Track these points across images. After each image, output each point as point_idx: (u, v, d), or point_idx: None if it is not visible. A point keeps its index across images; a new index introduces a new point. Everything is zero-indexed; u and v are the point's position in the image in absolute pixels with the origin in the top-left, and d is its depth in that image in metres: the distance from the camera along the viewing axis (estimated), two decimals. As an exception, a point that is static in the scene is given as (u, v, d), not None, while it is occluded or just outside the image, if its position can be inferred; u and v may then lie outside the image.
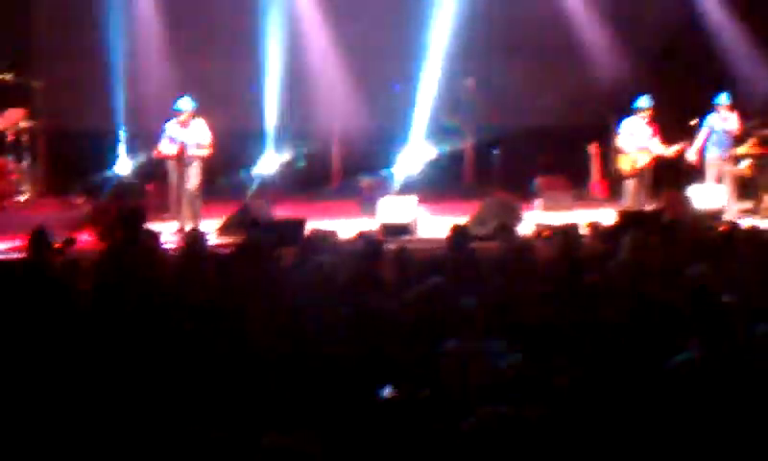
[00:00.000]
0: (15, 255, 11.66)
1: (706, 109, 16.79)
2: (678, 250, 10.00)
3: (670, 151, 16.26)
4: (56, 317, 7.42)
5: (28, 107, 17.11)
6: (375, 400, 5.66)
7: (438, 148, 19.73)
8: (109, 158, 18.84)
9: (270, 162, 19.62)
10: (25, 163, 16.73)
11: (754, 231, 10.88)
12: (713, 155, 16.48)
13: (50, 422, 5.65)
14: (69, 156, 18.39)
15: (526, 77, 20.32)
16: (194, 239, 10.69)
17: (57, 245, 11.92)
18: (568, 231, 10.59)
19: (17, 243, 12.38)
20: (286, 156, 19.88)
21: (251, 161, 19.68)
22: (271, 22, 19.81)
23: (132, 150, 18.58)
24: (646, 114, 16.17)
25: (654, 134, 16.17)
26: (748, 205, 16.86)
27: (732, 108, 16.47)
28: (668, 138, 16.30)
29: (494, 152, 18.59)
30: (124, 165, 18.60)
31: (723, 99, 16.53)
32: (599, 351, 6.33)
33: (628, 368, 6.02)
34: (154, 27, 19.56)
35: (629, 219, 13.90)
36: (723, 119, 16.42)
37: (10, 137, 16.63)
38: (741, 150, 17.20)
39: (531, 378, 5.74)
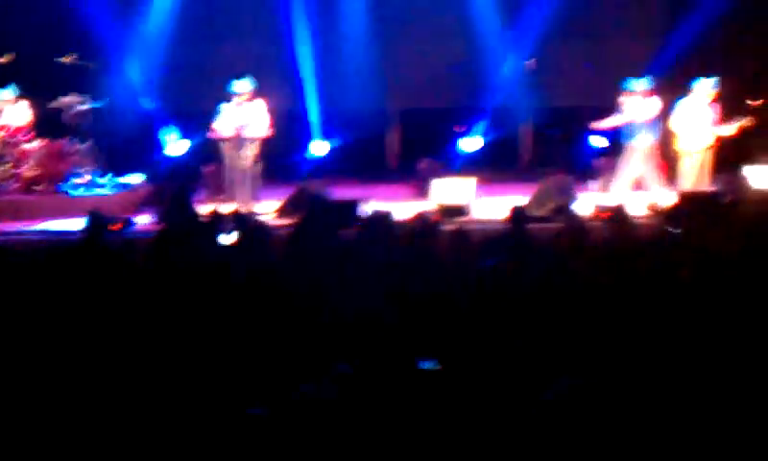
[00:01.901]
0: (74, 235, 11.72)
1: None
2: (737, 232, 9.87)
3: (730, 130, 16.00)
4: (113, 296, 7.46)
5: (86, 89, 17.20)
6: (417, 370, 5.68)
7: (497, 129, 19.64)
8: (165, 140, 18.94)
9: (324, 145, 19.63)
10: (86, 144, 16.83)
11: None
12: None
13: (111, 395, 5.70)
14: (128, 137, 18.51)
15: (586, 58, 20.15)
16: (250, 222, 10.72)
17: (115, 226, 12.03)
18: (619, 213, 10.49)
19: (77, 223, 12.45)
20: (340, 139, 19.88)
21: (306, 143, 19.72)
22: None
23: (188, 131, 18.64)
24: (707, 95, 15.92)
25: (713, 114, 15.93)
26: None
27: (652, 92, 16.07)
28: (728, 117, 16.04)
29: (554, 133, 18.48)
30: (180, 147, 18.68)
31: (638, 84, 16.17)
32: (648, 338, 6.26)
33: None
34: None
35: (689, 201, 13.76)
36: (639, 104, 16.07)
37: (70, 120, 16.74)
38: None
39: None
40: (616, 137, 16.65)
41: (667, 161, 18.29)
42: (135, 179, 17.23)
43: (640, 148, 15.82)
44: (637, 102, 15.89)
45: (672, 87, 16.88)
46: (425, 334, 6.32)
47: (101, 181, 16.89)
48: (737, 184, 15.08)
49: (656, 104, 15.84)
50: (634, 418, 5.02)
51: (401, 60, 20.20)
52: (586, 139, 19.30)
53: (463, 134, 19.33)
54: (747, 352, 5.89)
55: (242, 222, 10.49)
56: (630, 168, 15.87)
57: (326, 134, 19.81)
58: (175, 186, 15.31)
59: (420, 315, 6.60)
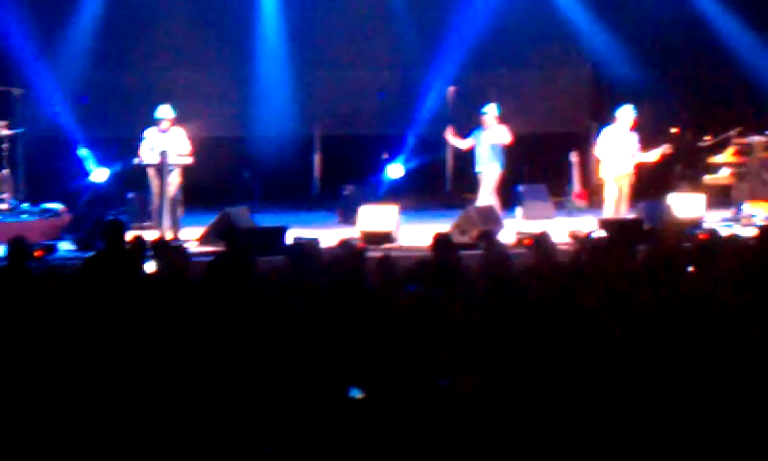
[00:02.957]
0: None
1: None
2: (659, 257, 10.00)
3: (651, 157, 16.23)
4: (36, 324, 7.38)
5: (7, 115, 17.02)
6: (347, 399, 5.70)
7: (420, 157, 19.78)
8: (87, 167, 18.81)
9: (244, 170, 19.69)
10: (5, 171, 16.65)
11: (733, 240, 10.89)
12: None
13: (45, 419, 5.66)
14: (48, 164, 18.36)
15: (507, 86, 20.35)
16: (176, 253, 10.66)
17: (36, 253, 11.90)
18: (541, 241, 10.59)
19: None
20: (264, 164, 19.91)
21: (233, 170, 19.73)
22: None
23: (109, 158, 18.54)
24: (627, 123, 16.14)
25: (635, 142, 16.15)
26: (727, 213, 16.90)
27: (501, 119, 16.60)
28: (649, 145, 16.28)
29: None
30: (101, 173, 18.57)
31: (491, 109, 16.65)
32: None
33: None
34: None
35: (609, 228, 13.94)
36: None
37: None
38: (720, 158, 17.27)
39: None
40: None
41: (589, 188, 18.55)
42: (57, 205, 17.04)
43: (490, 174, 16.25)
44: (489, 128, 16.29)
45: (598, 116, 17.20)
46: (353, 361, 6.33)
47: (22, 207, 16.70)
48: (659, 212, 15.31)
49: (503, 131, 16.21)
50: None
51: (325, 86, 20.29)
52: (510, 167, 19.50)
53: (388, 161, 19.41)
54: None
55: (162, 250, 10.40)
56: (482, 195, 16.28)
57: (249, 161, 19.82)
58: (96, 213, 15.21)
59: (347, 342, 6.61)
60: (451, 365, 6.04)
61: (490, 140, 16.43)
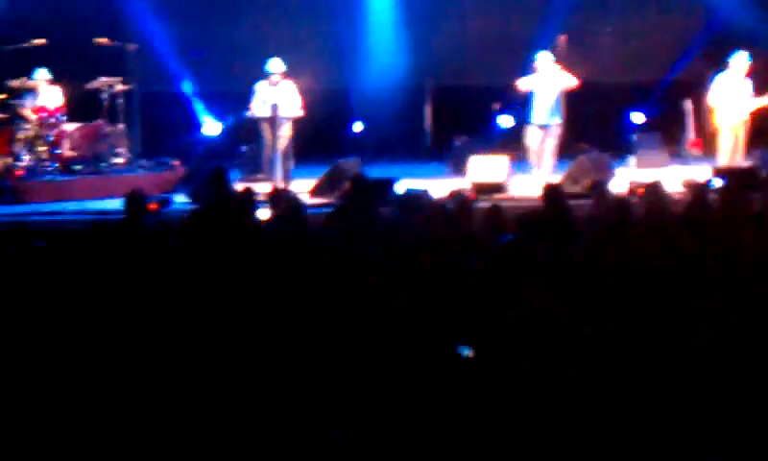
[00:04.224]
0: (113, 216, 11.79)
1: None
2: None
3: (765, 103, 15.92)
4: (149, 275, 7.51)
5: (122, 71, 17.28)
6: (455, 358, 5.69)
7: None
8: (200, 120, 19.05)
9: (356, 123, 19.71)
10: (121, 126, 16.92)
11: None
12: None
13: (145, 374, 5.75)
14: (162, 118, 18.63)
15: (620, 33, 20.09)
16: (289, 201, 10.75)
17: (151, 205, 12.10)
18: (655, 189, 10.45)
19: (115, 204, 12.55)
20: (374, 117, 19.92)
21: (341, 122, 19.79)
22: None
23: (221, 111, 18.74)
24: (742, 69, 15.84)
25: (750, 89, 15.84)
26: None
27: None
28: (764, 92, 15.94)
29: (588, 109, 18.43)
30: (214, 127, 18.78)
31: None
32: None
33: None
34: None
35: (725, 176, 13.71)
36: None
37: (106, 101, 16.83)
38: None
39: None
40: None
41: (703, 136, 18.23)
42: (171, 159, 17.29)
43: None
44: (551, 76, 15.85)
45: (710, 62, 16.86)
46: (461, 316, 6.32)
47: (137, 161, 17.00)
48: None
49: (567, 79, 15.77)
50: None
51: (435, 37, 20.20)
52: (623, 115, 19.29)
53: (499, 112, 19.28)
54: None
55: (278, 200, 10.52)
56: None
57: (359, 113, 19.87)
58: (209, 167, 15.40)
59: (457, 294, 6.61)
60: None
61: (554, 90, 15.96)
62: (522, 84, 15.87)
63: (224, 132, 18.71)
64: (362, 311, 6.40)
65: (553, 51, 16.22)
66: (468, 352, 5.71)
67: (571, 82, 15.69)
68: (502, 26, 20.03)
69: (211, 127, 18.80)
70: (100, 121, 16.79)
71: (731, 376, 5.39)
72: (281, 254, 7.88)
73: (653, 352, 5.61)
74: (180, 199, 14.80)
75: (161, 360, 5.97)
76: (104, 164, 16.60)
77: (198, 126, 19.14)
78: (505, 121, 19.19)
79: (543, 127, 15.76)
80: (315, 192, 15.14)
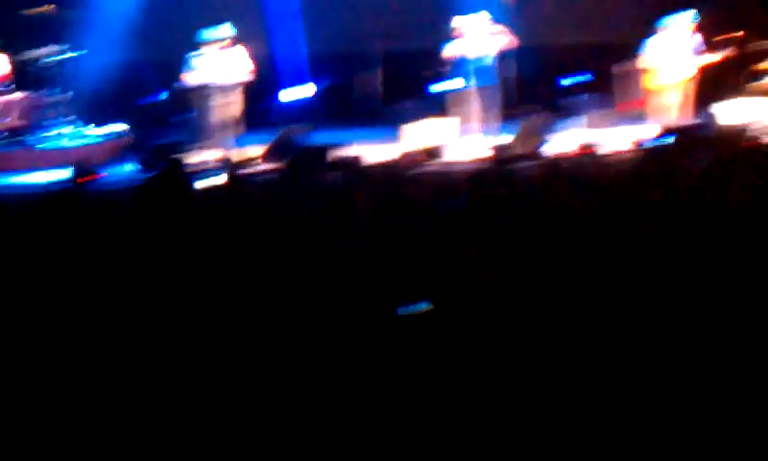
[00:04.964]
0: (59, 186, 11.72)
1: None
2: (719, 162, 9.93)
3: (713, 60, 16.04)
4: (100, 246, 7.48)
5: (66, 38, 17.14)
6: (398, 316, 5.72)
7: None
8: (150, 88, 18.88)
9: (307, 89, 19.62)
10: (67, 94, 16.79)
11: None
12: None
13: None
14: (110, 85, 18.46)
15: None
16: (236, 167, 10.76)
17: (99, 175, 12.04)
18: (598, 149, 10.54)
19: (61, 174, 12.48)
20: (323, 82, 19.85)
21: (287, 88, 19.69)
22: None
23: (170, 78, 18.60)
24: (689, 27, 15.91)
25: (697, 47, 15.92)
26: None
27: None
28: (711, 49, 16.05)
29: (534, 70, 18.43)
30: (164, 94, 18.65)
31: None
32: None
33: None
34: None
35: (672, 134, 13.80)
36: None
37: (52, 69, 16.68)
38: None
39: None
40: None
41: (651, 95, 18.32)
42: (118, 127, 17.17)
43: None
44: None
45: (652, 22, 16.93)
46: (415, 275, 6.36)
47: (83, 131, 16.86)
48: (720, 118, 15.14)
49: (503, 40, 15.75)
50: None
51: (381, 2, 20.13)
52: (569, 77, 19.31)
53: (436, 77, 19.21)
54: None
55: (229, 167, 10.53)
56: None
57: (308, 78, 19.78)
58: (155, 135, 15.35)
59: (406, 256, 6.64)
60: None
61: (491, 50, 15.91)
62: (449, 51, 15.90)
63: (171, 98, 18.57)
64: (310, 280, 6.41)
65: (501, 11, 16.22)
66: (425, 307, 5.75)
67: (507, 42, 15.69)
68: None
69: (161, 94, 18.67)
70: (46, 90, 16.65)
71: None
72: (226, 222, 7.89)
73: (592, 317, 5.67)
74: (129, 168, 14.73)
75: (109, 331, 5.95)
76: (51, 134, 16.46)
77: (148, 93, 18.99)
78: (449, 84, 19.14)
79: (480, 89, 15.78)
80: (265, 158, 15.10)
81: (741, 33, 17.07)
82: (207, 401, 5.16)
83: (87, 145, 16.24)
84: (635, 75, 17.52)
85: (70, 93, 16.84)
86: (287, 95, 19.45)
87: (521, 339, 5.45)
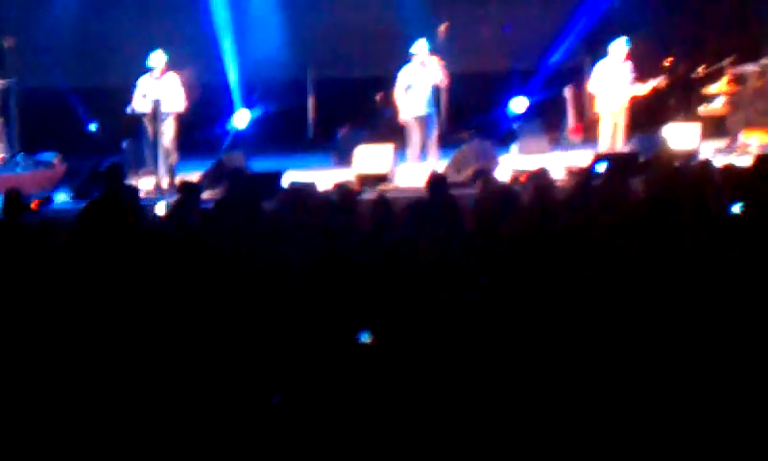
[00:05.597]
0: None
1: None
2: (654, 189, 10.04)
3: (645, 89, 16.21)
4: (33, 277, 7.39)
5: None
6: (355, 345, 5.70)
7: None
8: (84, 116, 18.76)
9: (243, 116, 19.60)
10: (-1, 122, 16.63)
11: (729, 169, 10.90)
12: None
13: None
14: (42, 114, 18.29)
15: (497, 20, 20.26)
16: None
17: (32, 205, 11.88)
18: (540, 176, 10.59)
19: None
20: (259, 109, 19.84)
21: (224, 116, 19.66)
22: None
23: (101, 107, 18.49)
24: (621, 55, 16.06)
25: (629, 75, 16.08)
26: (722, 143, 16.86)
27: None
28: (642, 77, 16.23)
29: (469, 98, 18.55)
30: (95, 123, 18.54)
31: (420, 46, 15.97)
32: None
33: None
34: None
35: (605, 161, 13.91)
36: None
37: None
38: (715, 88, 17.24)
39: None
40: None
41: (584, 123, 18.52)
42: (52, 156, 16.98)
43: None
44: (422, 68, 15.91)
45: (590, 49, 17.12)
46: (354, 304, 6.34)
47: (16, 159, 16.66)
48: (654, 145, 15.28)
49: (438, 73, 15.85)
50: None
51: (316, 28, 20.17)
52: (504, 103, 19.46)
53: (384, 103, 19.28)
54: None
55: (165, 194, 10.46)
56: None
57: (245, 106, 19.76)
58: (91, 162, 15.20)
59: (346, 285, 6.63)
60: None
61: (429, 81, 15.97)
62: (402, 79, 15.91)
63: (104, 127, 18.45)
64: (249, 310, 6.38)
65: (434, 40, 16.28)
66: (367, 339, 5.73)
67: (441, 77, 15.73)
68: (379, 16, 20.02)
69: (92, 123, 18.52)
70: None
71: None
72: (165, 251, 7.83)
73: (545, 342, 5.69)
74: (62, 197, 14.58)
75: (46, 359, 5.88)
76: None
77: (80, 121, 18.85)
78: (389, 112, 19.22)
79: (421, 118, 15.80)
80: (202, 185, 14.99)
81: (670, 59, 17.30)
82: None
83: (18, 173, 16.03)
84: (581, 99, 17.72)
85: (7, 120, 16.67)
86: (225, 122, 19.43)
87: (481, 358, 5.47)
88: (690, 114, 17.53)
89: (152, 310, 6.47)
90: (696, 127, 16.38)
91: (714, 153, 15.80)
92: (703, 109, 17.43)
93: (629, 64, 16.02)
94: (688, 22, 18.17)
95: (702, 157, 14.49)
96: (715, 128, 17.21)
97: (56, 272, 7.59)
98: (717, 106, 17.26)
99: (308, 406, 5.22)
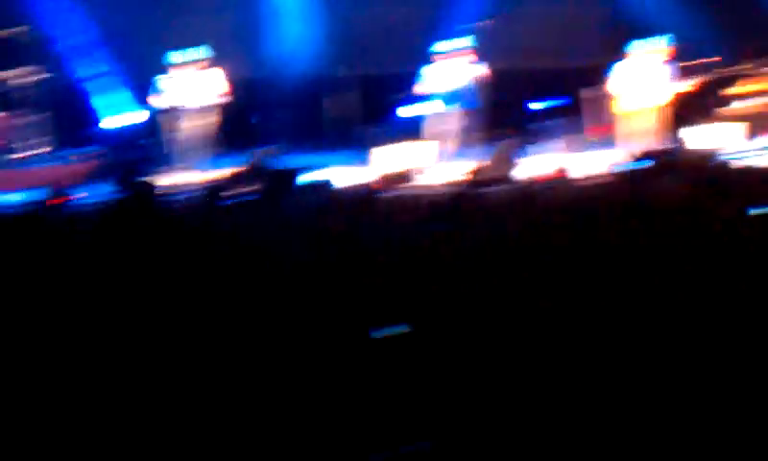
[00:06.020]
0: (30, 207, 11.66)
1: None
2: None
3: (683, 88, 16.13)
4: (67, 269, 7.44)
5: (37, 60, 17.11)
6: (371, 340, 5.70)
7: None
8: (118, 110, 18.85)
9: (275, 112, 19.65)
10: (35, 117, 16.74)
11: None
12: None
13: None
14: (80, 108, 18.41)
15: (539, 20, 20.19)
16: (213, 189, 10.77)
17: (68, 197, 11.98)
18: (568, 174, 10.58)
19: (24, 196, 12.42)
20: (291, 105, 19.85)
21: (256, 112, 19.69)
22: None
23: (142, 100, 18.56)
24: (660, 54, 15.99)
25: (668, 73, 16.01)
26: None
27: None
28: (680, 76, 16.15)
29: (505, 96, 18.50)
30: (134, 116, 18.60)
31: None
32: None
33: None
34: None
35: (641, 159, 13.84)
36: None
37: (20, 91, 16.63)
38: (753, 87, 17.11)
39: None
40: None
41: (620, 121, 18.43)
42: (89, 150, 17.10)
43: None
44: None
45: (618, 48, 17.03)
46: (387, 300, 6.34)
47: (54, 152, 16.81)
48: (687, 144, 15.22)
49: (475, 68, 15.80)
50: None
51: (344, 25, 20.15)
52: (541, 101, 19.38)
53: (404, 100, 19.23)
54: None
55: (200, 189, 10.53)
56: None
57: (277, 102, 19.77)
58: (128, 156, 15.29)
59: (374, 281, 6.63)
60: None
61: (460, 79, 15.90)
62: (426, 75, 15.89)
63: (144, 121, 18.52)
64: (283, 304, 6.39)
65: (474, 37, 16.26)
66: (403, 330, 5.73)
67: (482, 67, 15.72)
68: (408, 14, 19.96)
69: (131, 116, 18.62)
70: (14, 112, 16.60)
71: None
72: (197, 245, 7.85)
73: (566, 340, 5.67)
74: (96, 190, 14.68)
75: (71, 351, 5.91)
76: (18, 156, 16.40)
77: (117, 115, 18.93)
78: (424, 108, 19.16)
79: (455, 113, 15.79)
80: (236, 181, 15.04)
81: (707, 60, 17.21)
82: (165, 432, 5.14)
83: (61, 166, 16.17)
84: (603, 100, 17.63)
85: (45, 114, 16.79)
86: (256, 118, 19.45)
87: (500, 359, 5.45)
88: (728, 113, 17.40)
89: (184, 305, 6.50)
90: (735, 126, 16.27)
91: (754, 152, 15.67)
92: (740, 108, 17.30)
93: (668, 63, 15.96)
94: (725, 21, 18.00)
95: (741, 156, 14.42)
96: (757, 127, 17.05)
97: (90, 263, 7.64)
98: (756, 104, 17.13)
99: (319, 404, 5.23)
